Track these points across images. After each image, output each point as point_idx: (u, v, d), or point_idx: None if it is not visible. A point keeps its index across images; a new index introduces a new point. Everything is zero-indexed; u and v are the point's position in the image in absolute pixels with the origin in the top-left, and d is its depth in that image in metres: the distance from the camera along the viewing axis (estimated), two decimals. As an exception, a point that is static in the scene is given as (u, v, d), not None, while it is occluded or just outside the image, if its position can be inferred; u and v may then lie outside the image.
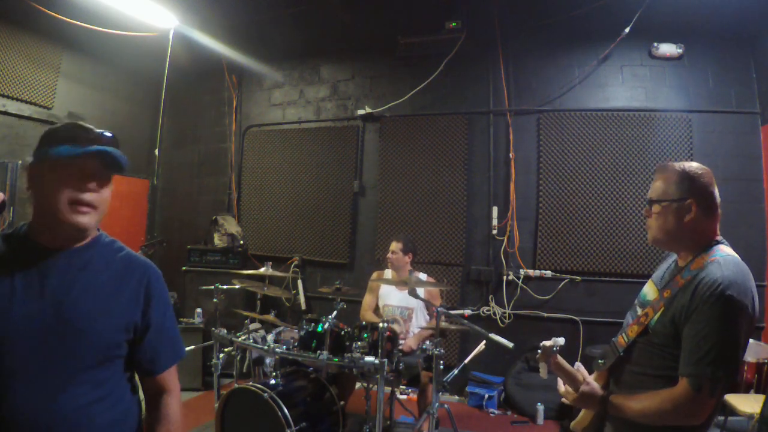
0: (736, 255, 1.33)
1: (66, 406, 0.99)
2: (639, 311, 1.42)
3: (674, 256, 1.48)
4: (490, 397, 3.96)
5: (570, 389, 1.46)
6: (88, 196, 1.04)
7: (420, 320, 3.44)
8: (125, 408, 1.14)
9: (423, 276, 3.51)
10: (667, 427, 1.27)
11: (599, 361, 1.47)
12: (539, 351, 1.46)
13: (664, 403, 1.24)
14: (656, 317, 1.34)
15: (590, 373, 1.52)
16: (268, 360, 3.06)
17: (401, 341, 3.15)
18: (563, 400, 1.55)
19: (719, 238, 1.38)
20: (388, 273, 3.62)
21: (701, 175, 1.37)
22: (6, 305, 0.99)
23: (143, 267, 1.19)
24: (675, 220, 1.36)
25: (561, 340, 1.45)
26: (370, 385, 2.95)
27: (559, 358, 1.46)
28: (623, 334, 1.44)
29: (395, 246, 3.50)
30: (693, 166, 1.39)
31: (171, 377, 1.21)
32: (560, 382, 1.51)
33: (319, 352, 2.64)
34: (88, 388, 1.03)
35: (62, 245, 1.08)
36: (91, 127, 1.10)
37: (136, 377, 1.22)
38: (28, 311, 0.99)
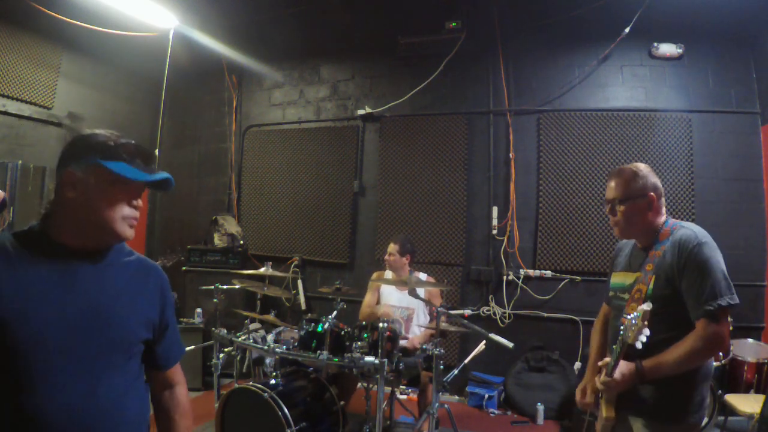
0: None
1: (104, 396, 1.05)
2: (625, 296, 1.66)
3: (629, 245, 1.80)
4: (490, 397, 3.96)
5: (604, 378, 1.55)
6: (137, 212, 1.12)
7: (421, 320, 3.44)
8: (145, 401, 1.23)
9: (423, 276, 3.51)
10: (685, 376, 1.49)
11: (614, 345, 1.56)
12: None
13: (696, 343, 1.45)
14: (651, 287, 1.57)
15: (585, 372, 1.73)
16: (268, 360, 3.06)
17: (403, 341, 3.15)
18: (581, 397, 1.74)
19: (666, 216, 1.69)
20: (389, 273, 3.61)
21: (650, 172, 1.68)
22: (39, 301, 1.01)
23: (156, 270, 1.28)
24: (641, 213, 1.65)
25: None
26: (370, 385, 2.95)
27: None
28: (624, 316, 1.59)
29: (392, 248, 3.48)
30: (641, 166, 1.70)
31: (179, 371, 1.33)
32: (583, 388, 1.73)
33: (319, 352, 2.64)
34: (121, 380, 1.10)
35: (91, 248, 1.11)
36: (147, 150, 1.17)
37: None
38: (61, 307, 1.02)
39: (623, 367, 1.52)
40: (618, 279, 1.76)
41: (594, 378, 1.67)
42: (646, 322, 1.43)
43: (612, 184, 1.70)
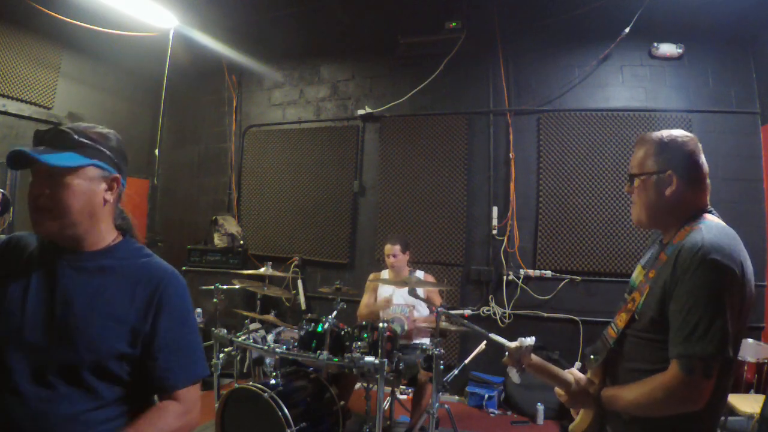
0: (723, 223, 1.22)
1: (61, 408, 0.96)
2: (627, 298, 1.32)
3: (658, 236, 1.38)
4: (490, 397, 3.96)
5: (560, 391, 1.36)
6: (40, 202, 1.02)
7: (422, 314, 3.45)
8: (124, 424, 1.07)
9: (420, 273, 3.52)
10: (673, 420, 1.13)
11: (591, 357, 1.34)
12: (506, 355, 1.36)
13: (655, 390, 1.11)
14: (642, 300, 1.22)
15: (585, 371, 1.41)
16: (268, 360, 3.05)
17: (403, 335, 3.15)
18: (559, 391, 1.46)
19: (708, 208, 1.28)
20: (386, 273, 3.62)
21: (684, 143, 1.26)
22: (20, 302, 1.00)
23: (161, 275, 1.12)
24: (656, 194, 1.26)
25: (529, 340, 1.33)
26: (370, 385, 2.95)
27: (534, 357, 1.35)
28: (612, 325, 1.31)
29: (393, 249, 3.49)
30: (674, 133, 1.28)
31: (187, 398, 1.10)
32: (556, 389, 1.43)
33: (319, 352, 2.64)
34: (86, 394, 1.00)
35: (74, 248, 1.07)
36: (52, 130, 1.07)
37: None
38: (37, 309, 1.01)
39: (582, 381, 1.30)
40: (635, 274, 1.38)
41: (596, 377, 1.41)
42: (515, 362, 1.30)
43: (635, 154, 1.33)
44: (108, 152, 1.10)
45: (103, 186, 1.09)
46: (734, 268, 1.09)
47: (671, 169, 1.24)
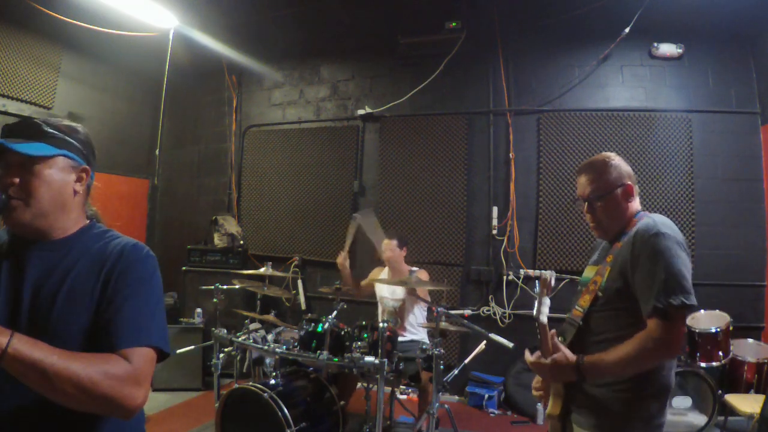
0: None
1: (35, 396, 0.90)
2: (581, 290, 1.55)
3: (601, 242, 1.65)
4: (490, 397, 3.96)
5: (534, 357, 1.44)
6: (11, 192, 1.02)
7: (418, 317, 3.48)
8: (106, 420, 1.03)
9: (423, 275, 3.53)
10: (629, 387, 1.35)
11: (559, 337, 1.46)
12: (537, 282, 1.49)
13: (643, 342, 1.29)
14: (605, 278, 1.44)
15: None
16: (268, 360, 3.06)
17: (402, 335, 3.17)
18: (535, 384, 1.65)
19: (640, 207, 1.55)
20: (385, 272, 3.64)
21: (621, 159, 1.55)
22: None
23: (122, 247, 1.07)
24: (620, 205, 1.51)
25: (550, 273, 1.52)
26: (370, 385, 2.95)
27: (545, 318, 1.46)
28: (576, 307, 1.50)
29: (390, 243, 3.50)
30: (611, 154, 1.56)
31: (135, 362, 0.97)
32: (527, 351, 1.51)
33: (319, 352, 2.64)
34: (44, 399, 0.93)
35: (42, 239, 1.07)
36: (22, 122, 1.07)
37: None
38: (6, 299, 1.00)
39: (561, 353, 1.38)
40: (585, 273, 1.62)
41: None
42: (545, 290, 1.39)
43: (584, 179, 1.55)
44: (77, 144, 1.11)
45: (73, 177, 1.10)
46: (680, 238, 1.38)
47: (627, 180, 1.52)
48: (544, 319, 1.43)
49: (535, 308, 1.45)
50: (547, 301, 1.45)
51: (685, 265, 1.33)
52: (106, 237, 1.12)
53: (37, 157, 1.03)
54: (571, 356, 1.38)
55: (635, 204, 1.53)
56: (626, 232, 1.47)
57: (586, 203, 1.55)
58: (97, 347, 0.98)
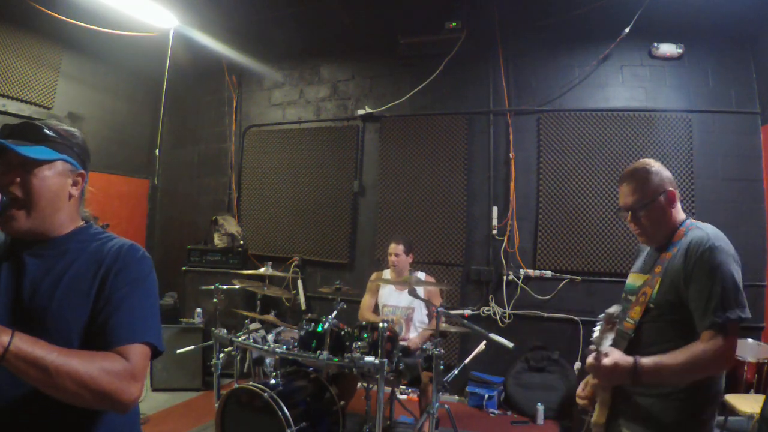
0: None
1: (33, 392, 0.91)
2: (632, 298, 1.53)
3: (645, 247, 1.65)
4: (490, 397, 3.96)
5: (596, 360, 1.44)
6: (10, 192, 1.03)
7: (420, 319, 3.44)
8: (102, 415, 1.04)
9: (422, 275, 3.51)
10: (686, 396, 1.37)
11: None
12: (600, 321, 1.52)
13: (701, 353, 1.31)
14: (655, 290, 1.44)
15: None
16: (268, 360, 3.06)
17: (402, 342, 3.15)
18: (580, 390, 1.60)
19: (685, 214, 1.56)
20: (387, 273, 3.62)
21: (661, 165, 1.55)
22: None
23: (119, 248, 1.09)
24: (665, 212, 1.51)
25: (615, 308, 1.54)
26: (370, 385, 2.95)
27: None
28: (627, 320, 1.50)
29: (396, 248, 3.49)
30: (650, 161, 1.56)
31: (131, 359, 0.99)
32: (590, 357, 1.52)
33: (319, 352, 2.64)
34: (49, 399, 0.94)
35: (39, 240, 1.08)
36: (22, 125, 1.08)
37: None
38: (6, 299, 1.02)
39: (618, 356, 1.38)
40: (630, 280, 1.64)
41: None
42: (610, 326, 1.38)
43: (626, 189, 1.54)
44: (75, 149, 1.14)
45: (70, 181, 1.12)
46: (732, 250, 1.40)
47: (669, 186, 1.52)
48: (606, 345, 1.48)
49: (599, 344, 1.45)
50: (611, 338, 1.45)
51: (739, 277, 1.36)
52: (102, 238, 1.15)
53: (39, 160, 1.05)
54: (627, 359, 1.38)
55: (679, 209, 1.54)
56: (674, 241, 1.47)
57: (629, 213, 1.55)
58: (94, 344, 1.00)
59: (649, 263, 1.56)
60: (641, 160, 1.59)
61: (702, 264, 1.36)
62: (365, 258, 4.74)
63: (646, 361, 1.35)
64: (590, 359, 1.43)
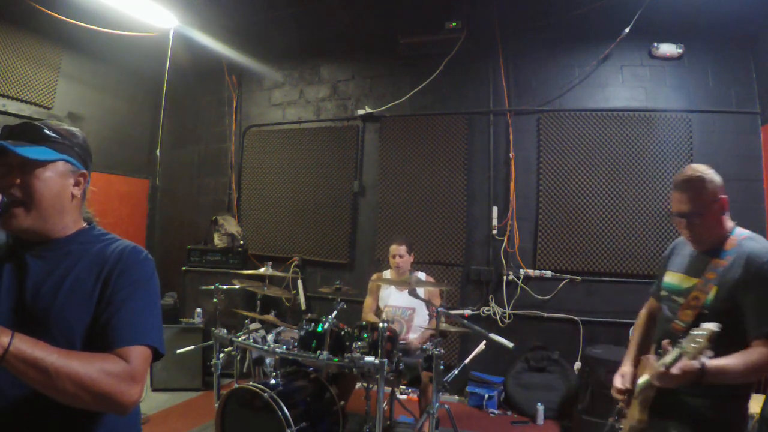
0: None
1: (33, 392, 0.91)
2: (680, 299, 1.60)
3: (687, 245, 1.70)
4: (490, 397, 3.96)
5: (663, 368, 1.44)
6: (11, 193, 1.02)
7: (421, 319, 3.44)
8: (103, 415, 1.05)
9: (422, 275, 3.51)
10: (734, 396, 1.50)
11: (659, 350, 1.50)
12: (699, 333, 1.41)
13: (758, 359, 1.39)
14: (711, 296, 1.51)
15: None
16: (268, 360, 3.06)
17: (402, 342, 3.15)
18: (619, 384, 1.69)
19: (733, 222, 1.62)
20: (387, 274, 3.62)
21: (714, 172, 1.59)
22: None
23: (122, 250, 1.10)
24: (718, 219, 1.58)
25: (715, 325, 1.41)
26: (370, 385, 2.95)
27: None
28: (676, 321, 1.57)
29: (400, 249, 3.49)
30: (703, 168, 1.60)
31: (132, 361, 0.99)
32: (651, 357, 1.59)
33: (319, 352, 2.64)
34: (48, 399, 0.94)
35: (40, 241, 1.08)
36: (21, 125, 1.08)
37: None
38: (8, 300, 1.01)
39: (685, 363, 1.38)
40: (673, 280, 1.69)
41: (633, 368, 1.69)
42: (710, 343, 1.33)
43: (682, 197, 1.60)
44: (76, 149, 1.13)
45: (71, 181, 1.11)
46: None
47: (722, 194, 1.57)
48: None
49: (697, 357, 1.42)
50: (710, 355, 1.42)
51: None
52: (105, 239, 1.14)
53: (40, 160, 1.04)
54: (693, 364, 1.38)
55: (728, 216, 1.60)
56: (726, 249, 1.54)
57: (684, 219, 1.59)
58: (95, 345, 1.00)
59: (696, 266, 1.62)
60: (693, 166, 1.63)
61: (761, 275, 1.44)
62: (365, 258, 4.74)
63: (710, 364, 1.37)
64: (659, 369, 1.41)
